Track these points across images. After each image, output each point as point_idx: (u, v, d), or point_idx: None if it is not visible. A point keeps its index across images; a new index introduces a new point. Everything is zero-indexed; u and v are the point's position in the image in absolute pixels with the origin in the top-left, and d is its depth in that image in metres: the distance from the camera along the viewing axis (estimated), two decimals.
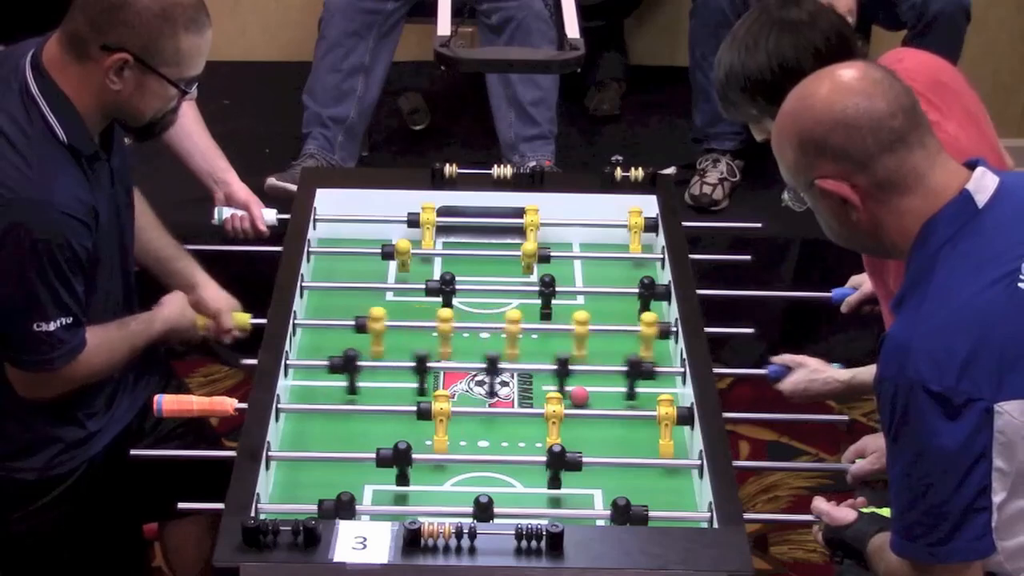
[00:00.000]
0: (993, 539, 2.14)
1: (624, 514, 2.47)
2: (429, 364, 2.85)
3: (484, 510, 2.45)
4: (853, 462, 2.82)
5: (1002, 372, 2.10)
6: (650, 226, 3.29)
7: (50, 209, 2.61)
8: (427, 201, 3.30)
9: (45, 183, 2.61)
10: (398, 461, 2.58)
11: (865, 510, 2.46)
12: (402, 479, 2.59)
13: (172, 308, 2.99)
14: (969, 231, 2.16)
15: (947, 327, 2.11)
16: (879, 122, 2.15)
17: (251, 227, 3.41)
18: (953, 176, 2.20)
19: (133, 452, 2.76)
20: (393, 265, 3.24)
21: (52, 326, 2.67)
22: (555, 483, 2.60)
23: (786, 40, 2.71)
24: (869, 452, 2.80)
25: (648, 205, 3.34)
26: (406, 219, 3.30)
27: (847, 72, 2.21)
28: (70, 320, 2.69)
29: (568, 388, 2.85)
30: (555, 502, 2.61)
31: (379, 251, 3.23)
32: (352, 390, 2.85)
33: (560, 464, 2.59)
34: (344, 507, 2.45)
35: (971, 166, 2.23)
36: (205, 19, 2.67)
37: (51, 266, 2.63)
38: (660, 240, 3.27)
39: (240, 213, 3.40)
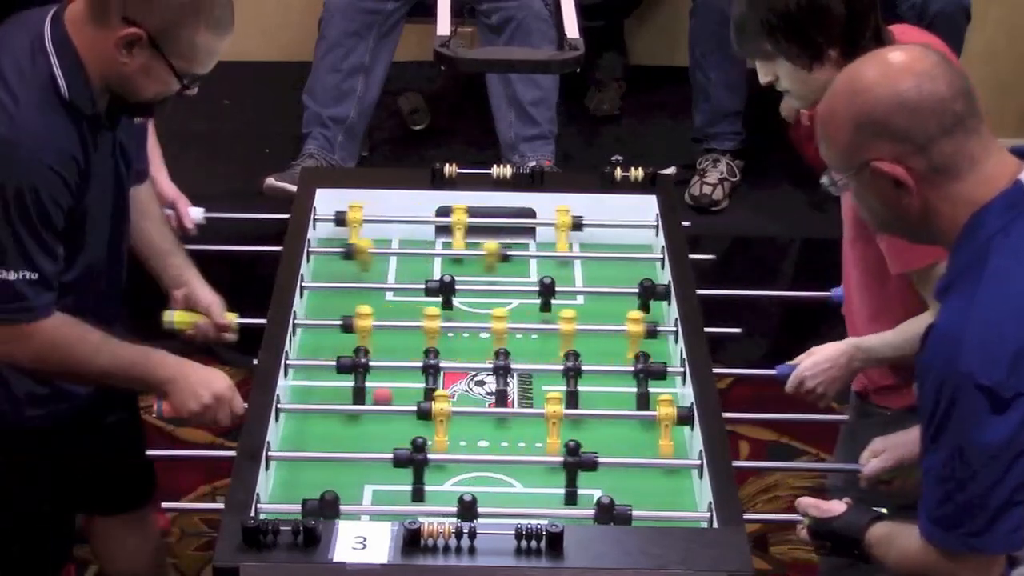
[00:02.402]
0: None
1: (608, 513, 2.47)
2: (438, 364, 2.83)
3: (468, 509, 2.44)
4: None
5: None
6: (576, 225, 3.28)
7: (23, 151, 2.54)
8: (355, 200, 3.29)
9: (28, 126, 2.55)
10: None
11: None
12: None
13: (209, 374, 2.74)
14: (1022, 221, 2.15)
15: (1000, 318, 2.10)
16: (942, 104, 2.14)
17: (178, 225, 3.27)
18: (1005, 165, 2.19)
19: None
20: (394, 265, 3.24)
21: (11, 276, 2.55)
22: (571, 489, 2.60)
23: None
24: (879, 452, 2.74)
25: (648, 205, 3.34)
26: (334, 217, 3.28)
27: (905, 54, 2.20)
28: (35, 277, 2.57)
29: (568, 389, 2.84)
30: (555, 502, 2.61)
31: (381, 251, 3.23)
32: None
33: (578, 465, 2.59)
34: (328, 506, 2.43)
35: (1020, 154, 2.22)
36: (229, 23, 2.62)
37: (17, 211, 2.53)
38: (660, 240, 3.27)
39: (167, 212, 3.26)
